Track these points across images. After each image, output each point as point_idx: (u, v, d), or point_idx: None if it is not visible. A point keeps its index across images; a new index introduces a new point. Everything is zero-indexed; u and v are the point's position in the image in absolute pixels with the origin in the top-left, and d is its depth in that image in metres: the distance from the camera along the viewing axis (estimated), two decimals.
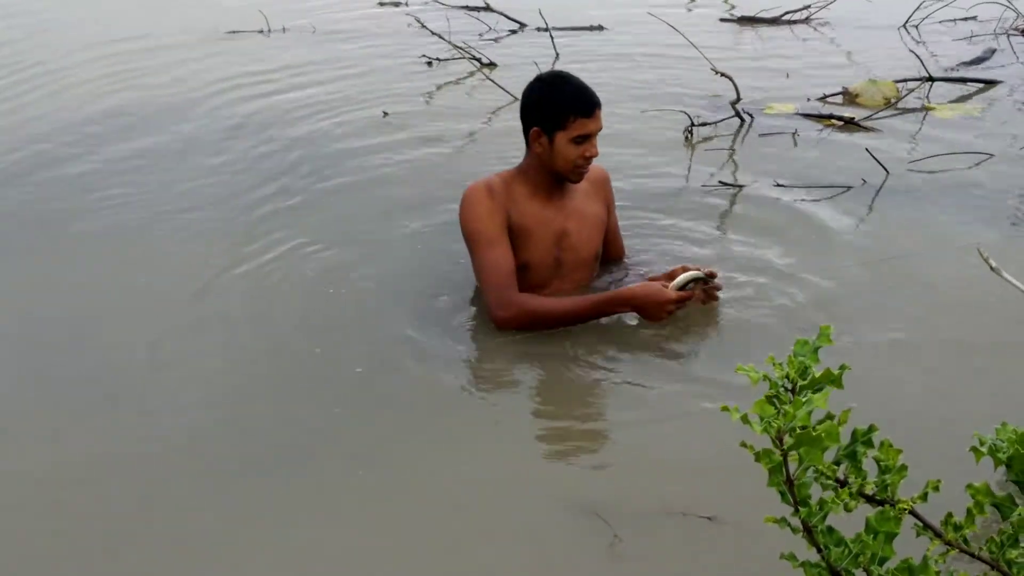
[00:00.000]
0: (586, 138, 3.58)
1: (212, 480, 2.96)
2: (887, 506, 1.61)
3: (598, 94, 3.61)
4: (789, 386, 1.54)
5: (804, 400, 1.50)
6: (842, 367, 1.60)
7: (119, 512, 2.85)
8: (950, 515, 1.73)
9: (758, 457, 1.55)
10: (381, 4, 9.18)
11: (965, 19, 8.06)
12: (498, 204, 3.66)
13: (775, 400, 1.53)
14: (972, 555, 1.74)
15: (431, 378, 3.45)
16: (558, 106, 3.56)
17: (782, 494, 1.57)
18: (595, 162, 3.69)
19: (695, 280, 3.61)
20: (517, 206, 3.69)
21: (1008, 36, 7.65)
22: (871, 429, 1.62)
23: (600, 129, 3.61)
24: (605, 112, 3.62)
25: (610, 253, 4.03)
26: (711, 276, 3.63)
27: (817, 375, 1.54)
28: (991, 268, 1.36)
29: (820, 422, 1.54)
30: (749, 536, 2.56)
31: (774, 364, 1.56)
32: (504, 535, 2.73)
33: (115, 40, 8.04)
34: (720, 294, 3.70)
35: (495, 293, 3.63)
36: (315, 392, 3.40)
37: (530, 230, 3.70)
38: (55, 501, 2.88)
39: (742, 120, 5.88)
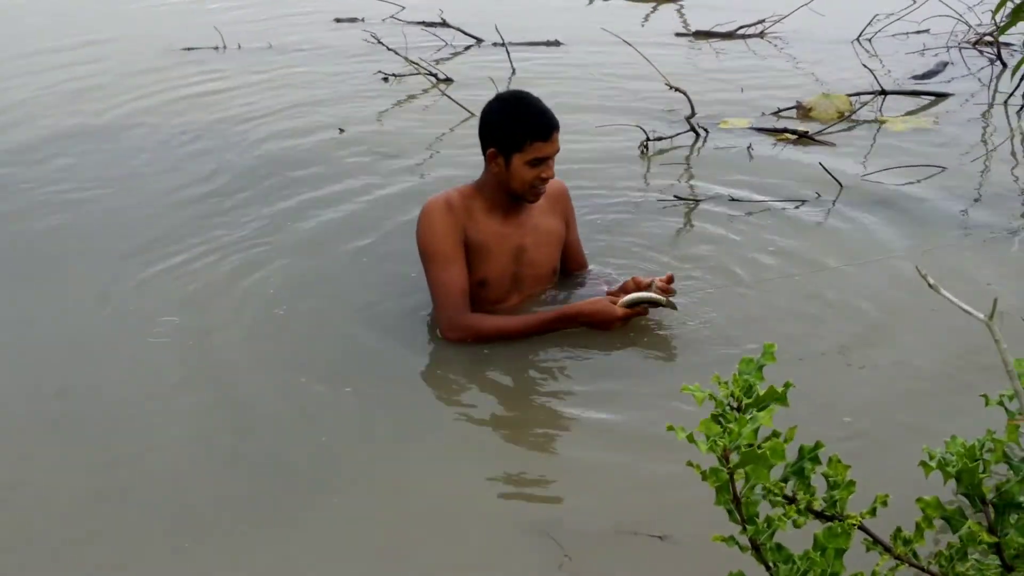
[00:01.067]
0: (543, 161, 3.59)
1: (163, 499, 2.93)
2: (836, 522, 1.61)
3: (554, 110, 3.62)
4: (734, 404, 1.54)
5: (749, 418, 1.50)
6: (786, 384, 1.60)
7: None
8: (899, 529, 1.74)
9: (705, 476, 1.55)
10: (337, 20, 9.16)
11: (917, 32, 8.14)
12: (456, 221, 3.66)
13: (721, 419, 1.53)
14: (921, 569, 1.74)
15: (381, 397, 3.44)
16: (516, 129, 3.55)
17: (730, 512, 1.57)
18: (557, 175, 3.71)
19: (644, 302, 3.62)
20: (475, 222, 3.69)
21: (960, 49, 7.73)
22: (817, 446, 1.62)
23: (557, 151, 3.62)
24: (561, 126, 3.62)
25: (571, 267, 4.04)
26: (667, 303, 3.62)
27: (761, 393, 1.54)
28: (929, 285, 1.37)
29: (766, 440, 1.54)
30: (699, 554, 2.55)
31: (719, 383, 1.56)
32: (454, 557, 2.70)
33: (69, 55, 8.00)
34: (675, 307, 3.69)
35: (447, 314, 3.64)
36: (262, 415, 3.37)
37: (488, 246, 3.70)
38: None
39: (697, 135, 5.91)
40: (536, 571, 2.61)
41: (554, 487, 3.04)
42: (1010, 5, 3.46)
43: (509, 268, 3.76)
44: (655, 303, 3.62)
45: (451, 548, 2.73)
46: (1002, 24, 5.10)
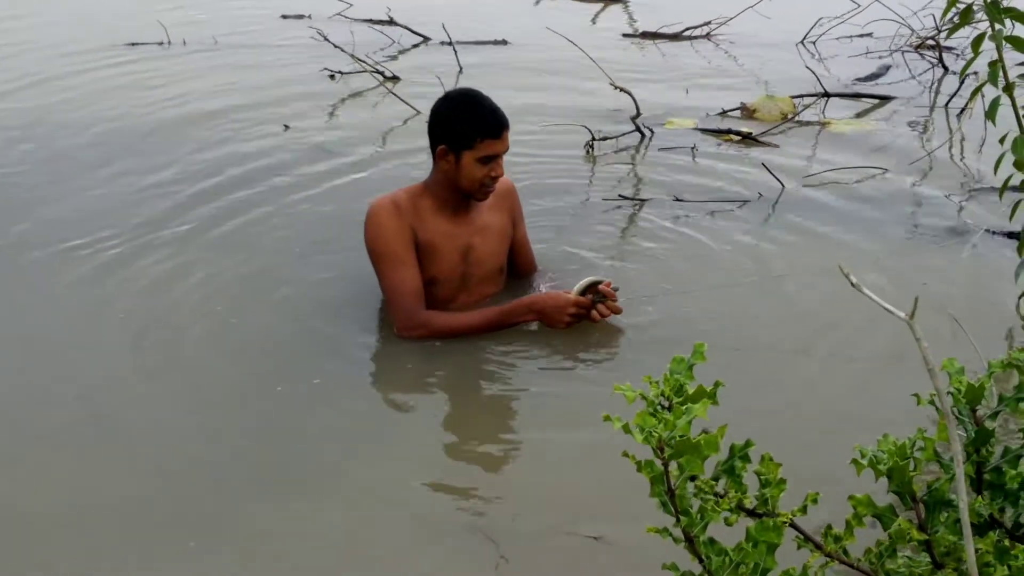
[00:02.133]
0: (493, 159, 3.59)
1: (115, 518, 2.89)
2: (767, 517, 1.63)
3: (501, 109, 3.61)
4: (665, 403, 1.55)
5: (684, 409, 1.51)
6: (716, 383, 1.61)
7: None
8: (830, 527, 1.76)
9: (640, 467, 1.56)
10: (284, 17, 9.10)
11: (861, 36, 8.23)
12: (404, 221, 3.65)
13: (655, 415, 1.54)
14: (851, 566, 1.76)
15: (321, 396, 3.42)
16: (466, 126, 3.55)
17: (663, 504, 1.58)
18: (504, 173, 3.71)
19: (593, 285, 3.63)
20: (423, 222, 3.68)
21: (903, 53, 7.83)
22: (748, 444, 1.64)
23: (507, 149, 3.62)
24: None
25: (519, 266, 4.04)
26: (608, 292, 3.64)
27: (691, 392, 1.55)
28: (852, 284, 1.38)
29: (700, 434, 1.55)
30: (633, 553, 2.57)
31: (650, 382, 1.57)
32: (388, 557, 2.69)
33: (5, 49, 7.89)
34: (619, 306, 3.70)
35: (402, 314, 3.63)
36: (203, 422, 3.33)
37: (437, 246, 3.70)
38: None
39: (643, 135, 5.94)
40: (472, 572, 2.60)
41: (491, 488, 3.03)
42: (959, 7, 3.50)
43: (458, 267, 3.76)
44: (604, 295, 3.62)
45: (385, 548, 2.72)
46: (947, 28, 5.17)
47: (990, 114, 3.60)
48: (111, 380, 3.52)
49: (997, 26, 3.43)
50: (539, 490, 2.95)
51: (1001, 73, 3.50)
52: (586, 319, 3.64)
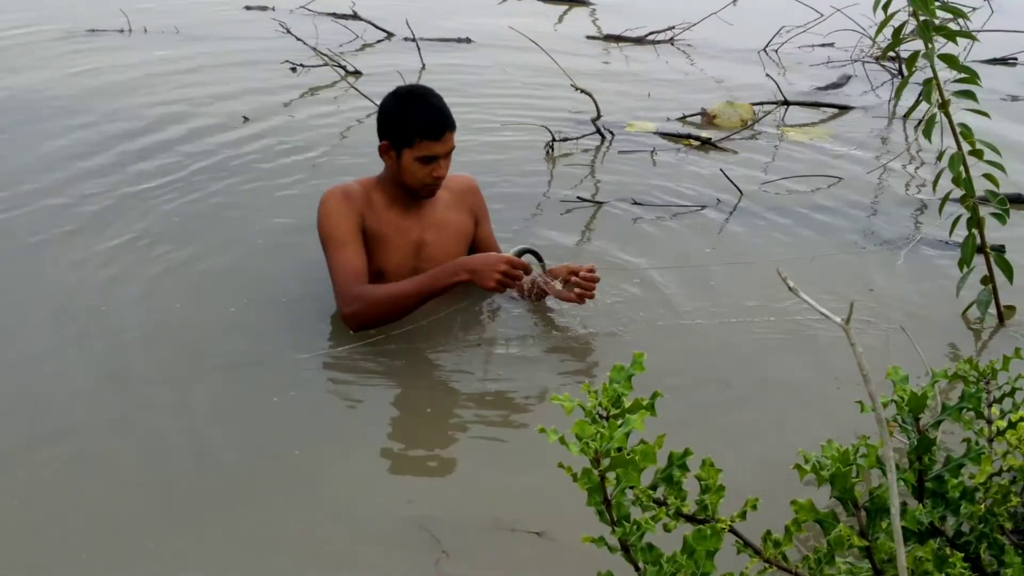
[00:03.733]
0: (433, 159, 3.57)
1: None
2: (707, 524, 1.63)
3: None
4: (603, 413, 1.55)
5: (620, 423, 1.51)
6: (655, 394, 1.61)
7: None
8: (769, 532, 1.77)
9: (576, 478, 1.56)
10: (248, 8, 9.05)
11: (823, 45, 8.29)
12: (353, 208, 3.65)
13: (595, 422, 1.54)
14: (790, 572, 1.77)
15: (274, 389, 3.38)
16: (406, 125, 3.54)
17: (600, 514, 1.58)
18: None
19: (527, 252, 3.63)
20: (374, 213, 3.68)
21: (863, 63, 7.89)
22: (686, 452, 1.64)
23: (449, 151, 3.60)
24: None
25: None
26: (589, 278, 3.59)
27: (628, 404, 1.55)
28: (789, 288, 1.39)
29: (638, 444, 1.55)
30: (577, 551, 2.52)
31: (588, 392, 1.57)
32: (327, 551, 2.67)
33: None
34: (593, 292, 3.65)
35: (342, 291, 3.60)
36: (153, 410, 3.29)
37: (387, 237, 3.68)
38: None
39: (603, 137, 5.95)
40: (412, 567, 2.58)
41: (433, 482, 3.02)
42: (892, 26, 3.56)
43: (408, 261, 3.73)
44: (539, 258, 3.65)
45: (325, 542, 2.70)
46: (884, 45, 5.22)
47: (926, 131, 3.66)
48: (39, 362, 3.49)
49: (930, 44, 3.48)
50: (479, 486, 2.94)
51: (936, 91, 3.56)
52: (516, 285, 3.51)
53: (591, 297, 3.67)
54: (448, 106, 3.62)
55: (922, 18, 3.46)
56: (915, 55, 3.56)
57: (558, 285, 3.64)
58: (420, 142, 3.53)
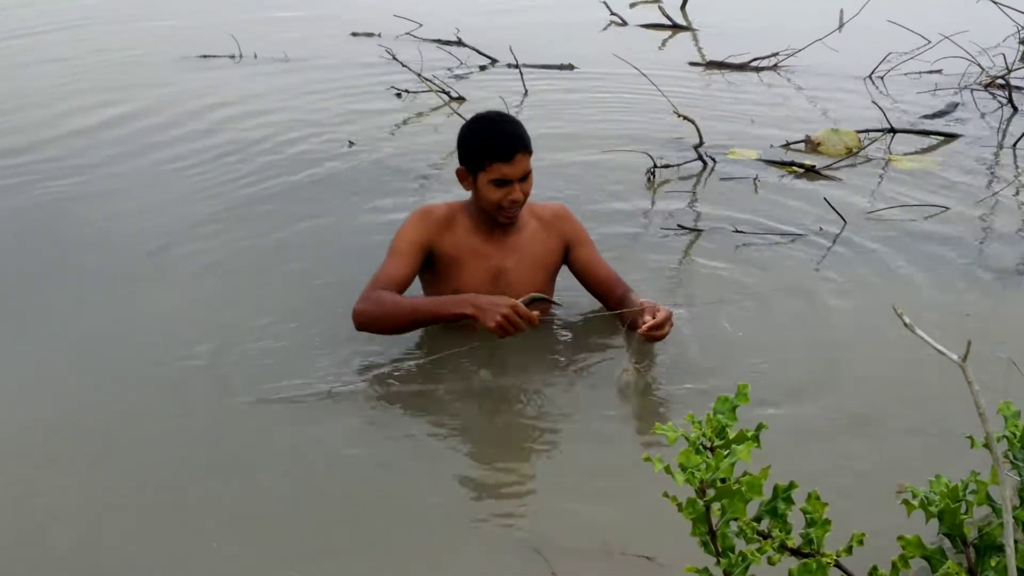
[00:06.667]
0: (507, 182, 3.58)
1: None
2: (812, 559, 1.62)
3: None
4: (708, 444, 1.55)
5: (726, 453, 1.51)
6: (759, 426, 1.61)
7: None
8: (875, 568, 1.75)
9: (681, 508, 1.56)
10: (354, 34, 9.20)
11: (930, 72, 8.15)
12: (426, 226, 3.71)
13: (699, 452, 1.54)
14: None
15: (366, 405, 3.47)
16: (478, 148, 3.59)
17: (704, 544, 1.58)
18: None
19: (539, 300, 3.62)
20: (454, 236, 3.72)
21: (971, 91, 7.74)
22: (791, 486, 1.63)
23: (523, 174, 3.58)
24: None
25: (595, 287, 3.87)
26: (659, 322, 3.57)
27: (732, 436, 1.55)
28: (905, 324, 1.38)
29: (743, 475, 1.55)
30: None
31: (693, 422, 1.57)
32: (442, 570, 2.71)
33: (86, 58, 8.06)
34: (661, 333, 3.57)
35: (365, 290, 3.64)
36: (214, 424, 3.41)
37: (463, 261, 3.71)
38: None
39: (704, 164, 5.93)
40: None
41: (544, 504, 3.05)
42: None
43: (484, 287, 3.69)
44: (549, 302, 3.67)
45: (440, 562, 2.74)
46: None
47: None
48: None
49: None
50: (589, 507, 2.95)
51: None
52: (521, 331, 3.44)
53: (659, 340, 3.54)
54: (525, 131, 3.63)
55: None
56: None
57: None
58: (492, 165, 3.55)
